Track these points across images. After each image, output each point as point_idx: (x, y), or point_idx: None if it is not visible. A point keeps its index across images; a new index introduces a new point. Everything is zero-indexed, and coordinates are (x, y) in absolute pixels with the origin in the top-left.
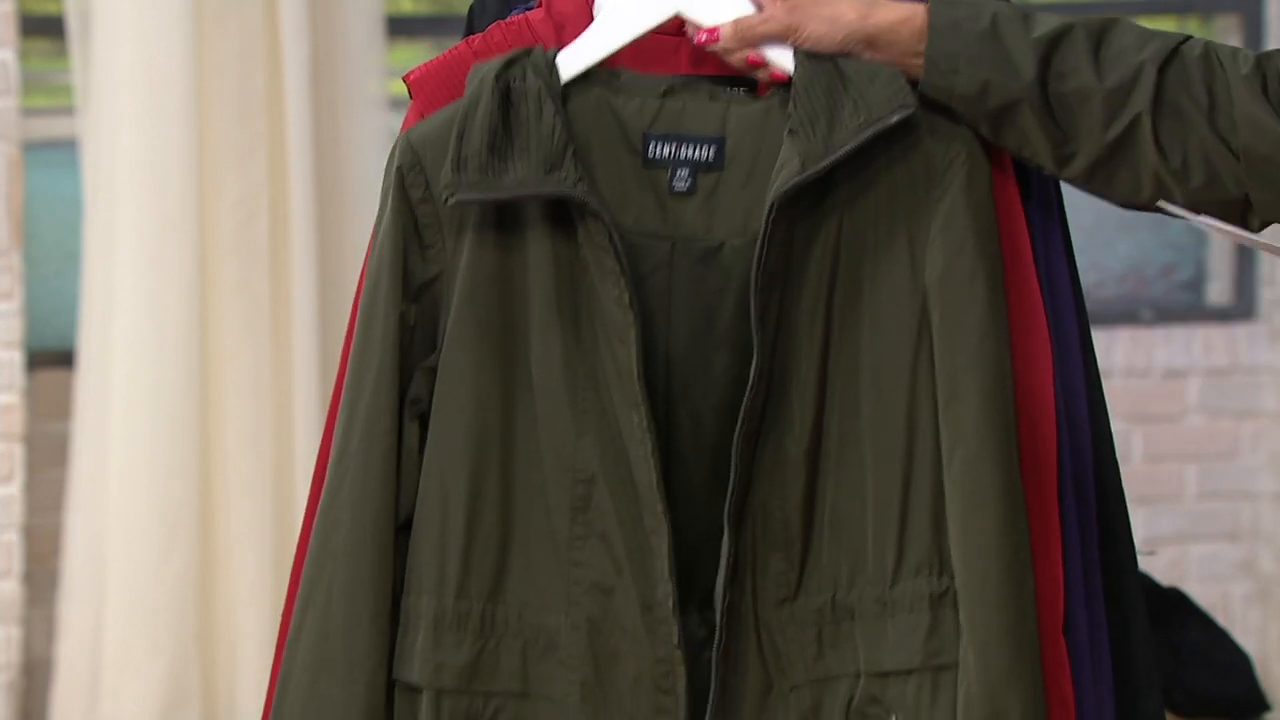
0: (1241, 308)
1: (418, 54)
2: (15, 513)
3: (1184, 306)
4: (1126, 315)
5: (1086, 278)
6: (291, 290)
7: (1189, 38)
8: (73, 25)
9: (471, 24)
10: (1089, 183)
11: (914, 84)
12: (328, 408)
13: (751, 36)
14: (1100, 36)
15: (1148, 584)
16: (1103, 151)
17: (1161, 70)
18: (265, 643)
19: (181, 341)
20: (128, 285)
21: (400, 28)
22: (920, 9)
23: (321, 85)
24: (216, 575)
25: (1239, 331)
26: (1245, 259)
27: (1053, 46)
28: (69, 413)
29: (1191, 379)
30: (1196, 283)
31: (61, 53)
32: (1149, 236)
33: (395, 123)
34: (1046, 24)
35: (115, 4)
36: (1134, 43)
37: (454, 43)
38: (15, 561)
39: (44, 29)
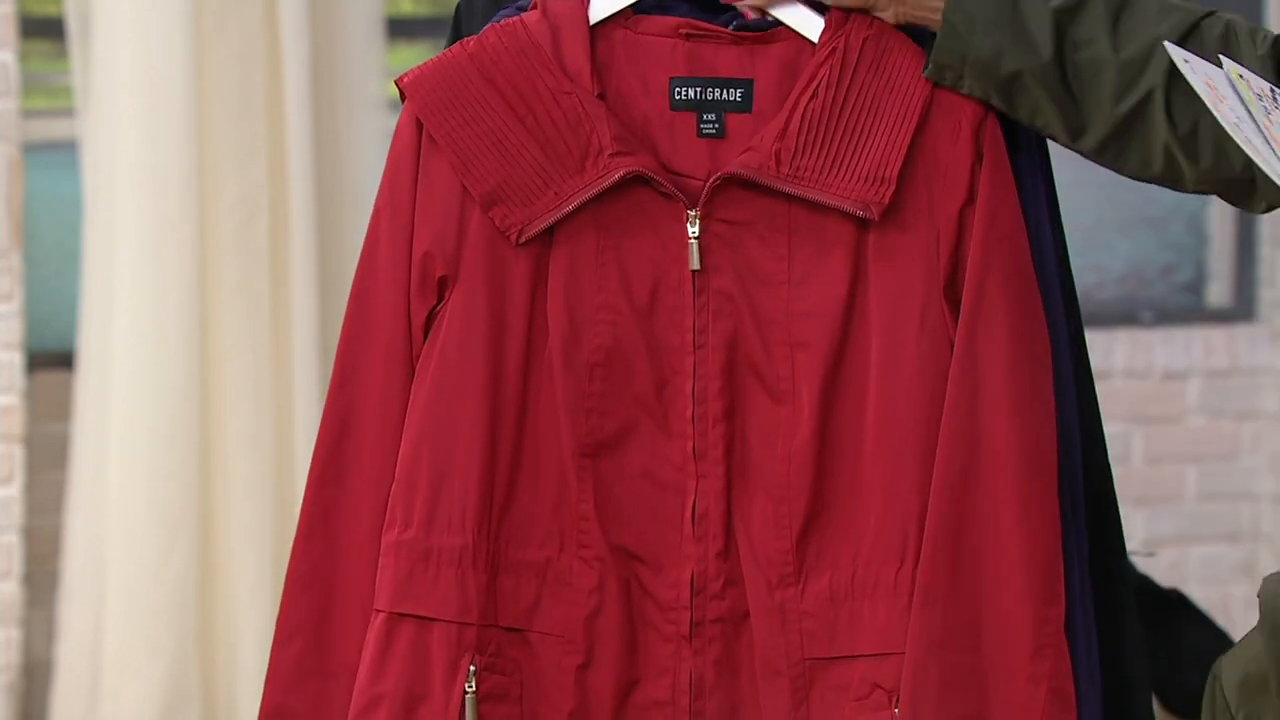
0: (1241, 309)
1: (417, 55)
2: (15, 514)
3: (1184, 308)
4: (1126, 316)
5: (1086, 279)
6: (291, 291)
7: (1211, 13)
8: (73, 27)
9: (458, 25)
10: (1100, 156)
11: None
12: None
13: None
14: (1120, 7)
15: (1148, 585)
16: (1115, 124)
17: (1178, 45)
18: (265, 644)
19: (182, 343)
20: (128, 286)
21: (400, 29)
22: None
23: (321, 86)
24: (216, 577)
25: (1239, 333)
26: (1245, 260)
27: (1071, 15)
28: (69, 414)
29: (1191, 380)
30: (1196, 284)
31: (62, 54)
32: (1149, 238)
33: (394, 124)
34: None
35: (115, 5)
36: (1154, 15)
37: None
38: (15, 563)
39: (44, 31)
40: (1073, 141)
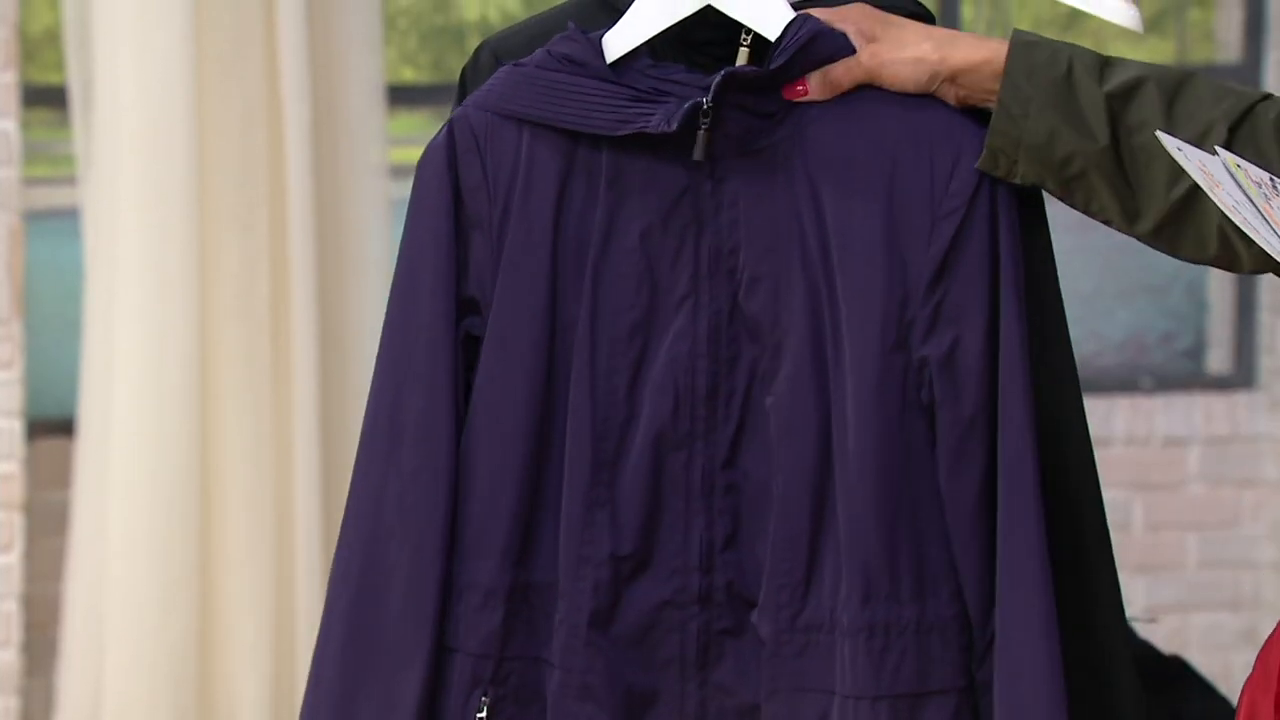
0: (1241, 376)
1: (418, 123)
2: (14, 582)
3: (1184, 375)
4: (1126, 383)
5: (1086, 346)
6: (292, 357)
7: (1268, 96)
8: (74, 93)
9: (464, 89)
10: (1156, 240)
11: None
12: (328, 474)
13: (839, 86)
14: (1175, 91)
15: (1149, 652)
16: (1169, 209)
17: (1232, 129)
18: (264, 709)
19: (182, 410)
20: (128, 353)
21: (400, 97)
22: (1002, 50)
23: (323, 153)
24: (215, 643)
25: (1239, 400)
26: (1245, 327)
27: (1125, 99)
28: (69, 481)
29: (1192, 447)
30: (1196, 351)
31: (64, 123)
32: (1148, 305)
33: (396, 190)
34: (1123, 74)
35: (116, 74)
36: (1208, 98)
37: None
38: (14, 631)
39: (46, 99)
40: (1128, 226)
